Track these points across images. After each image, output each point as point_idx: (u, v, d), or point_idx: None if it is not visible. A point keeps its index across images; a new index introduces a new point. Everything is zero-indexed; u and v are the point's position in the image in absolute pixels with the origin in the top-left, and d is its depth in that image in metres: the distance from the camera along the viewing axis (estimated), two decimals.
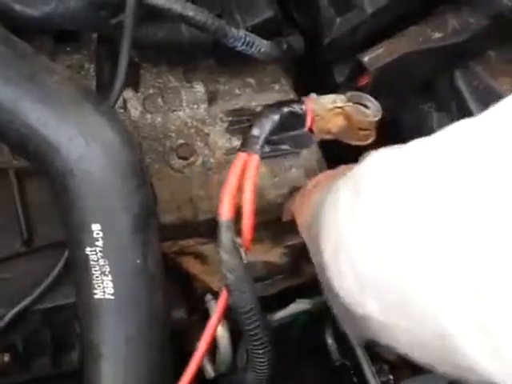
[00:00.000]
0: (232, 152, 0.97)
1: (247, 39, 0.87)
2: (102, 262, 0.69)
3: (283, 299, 0.97)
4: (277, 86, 1.03)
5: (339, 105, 0.78)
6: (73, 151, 0.69)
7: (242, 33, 0.87)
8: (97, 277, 0.70)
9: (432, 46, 0.96)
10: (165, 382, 0.73)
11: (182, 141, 0.95)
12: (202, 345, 0.73)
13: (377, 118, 0.79)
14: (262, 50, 0.89)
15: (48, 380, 0.93)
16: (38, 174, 0.86)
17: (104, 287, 0.70)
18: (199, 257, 0.90)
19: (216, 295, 0.88)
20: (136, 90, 0.96)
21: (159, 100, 0.98)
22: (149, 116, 0.96)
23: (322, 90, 1.09)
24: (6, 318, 0.85)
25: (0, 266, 0.87)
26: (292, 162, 0.97)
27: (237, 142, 0.98)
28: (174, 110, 0.97)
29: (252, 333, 0.70)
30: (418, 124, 1.01)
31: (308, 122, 0.76)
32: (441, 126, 1.00)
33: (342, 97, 0.79)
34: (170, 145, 0.95)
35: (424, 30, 0.96)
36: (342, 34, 0.99)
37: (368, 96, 0.80)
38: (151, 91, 0.98)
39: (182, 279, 0.91)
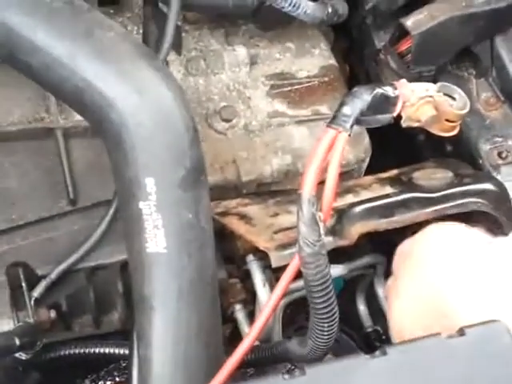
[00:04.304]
0: (273, 115, 0.98)
1: (294, 0, 0.87)
2: (155, 215, 0.70)
3: None
4: (317, 51, 1.04)
5: (430, 94, 0.76)
6: (128, 105, 0.69)
7: None
8: (149, 230, 0.70)
9: (474, 11, 0.96)
10: (215, 336, 0.74)
11: (224, 103, 0.96)
12: (265, 314, 0.70)
13: (464, 112, 0.78)
14: (308, 11, 0.89)
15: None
16: (85, 134, 0.88)
17: (157, 241, 0.70)
18: (244, 217, 0.90)
19: (258, 256, 0.89)
20: (178, 52, 0.97)
21: (202, 63, 0.98)
22: (191, 79, 0.97)
23: (358, 56, 1.10)
24: (52, 276, 0.86)
25: (46, 224, 0.88)
26: None
27: (278, 106, 0.99)
28: (217, 73, 0.98)
29: (322, 306, 0.69)
30: None
31: (398, 107, 0.75)
32: (480, 92, 1.02)
33: (433, 86, 0.76)
34: (213, 107, 0.96)
35: None
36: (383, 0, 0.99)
37: (457, 88, 0.77)
38: (193, 54, 0.99)
39: (223, 240, 0.92)
